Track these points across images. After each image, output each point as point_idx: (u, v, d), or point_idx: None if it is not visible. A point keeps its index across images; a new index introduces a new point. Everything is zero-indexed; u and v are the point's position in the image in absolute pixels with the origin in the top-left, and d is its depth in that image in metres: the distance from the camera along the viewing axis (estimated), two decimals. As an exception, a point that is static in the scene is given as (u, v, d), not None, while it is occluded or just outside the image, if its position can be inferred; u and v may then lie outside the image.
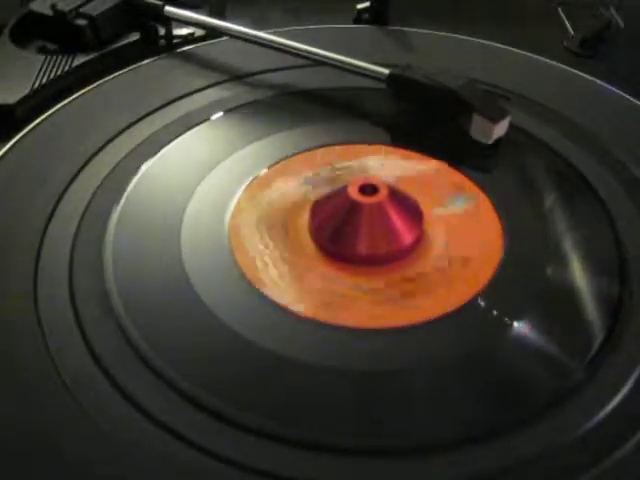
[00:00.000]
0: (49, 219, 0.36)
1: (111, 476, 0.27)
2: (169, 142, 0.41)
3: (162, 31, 0.51)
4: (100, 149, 0.41)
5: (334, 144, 0.41)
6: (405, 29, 0.53)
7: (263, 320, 0.32)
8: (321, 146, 0.41)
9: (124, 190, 0.38)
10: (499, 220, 0.37)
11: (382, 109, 0.44)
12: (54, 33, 0.48)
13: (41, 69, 0.45)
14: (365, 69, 0.44)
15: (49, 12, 0.47)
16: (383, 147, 0.41)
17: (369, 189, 0.35)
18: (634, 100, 0.46)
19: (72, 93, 0.45)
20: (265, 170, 0.40)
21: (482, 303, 0.33)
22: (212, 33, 0.50)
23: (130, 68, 0.48)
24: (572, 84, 0.48)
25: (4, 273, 0.33)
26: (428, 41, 0.51)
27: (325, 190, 0.37)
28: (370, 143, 0.42)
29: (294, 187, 0.39)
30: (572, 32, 0.54)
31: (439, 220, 0.37)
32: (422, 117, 0.43)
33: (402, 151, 0.41)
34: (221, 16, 0.54)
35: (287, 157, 0.40)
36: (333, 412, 0.29)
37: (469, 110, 0.40)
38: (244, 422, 0.28)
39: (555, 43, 0.52)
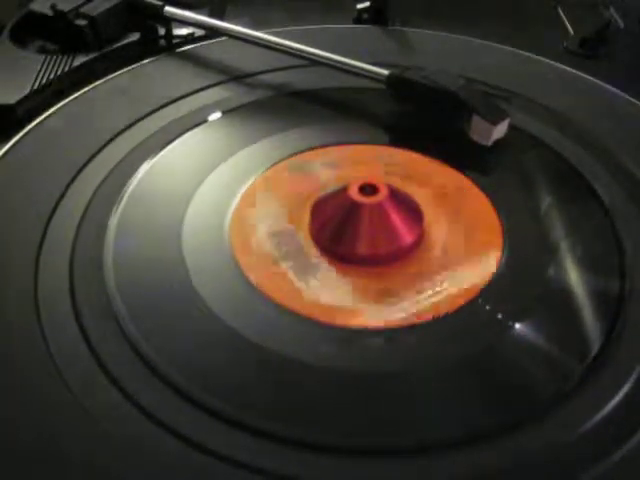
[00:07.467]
0: (49, 219, 0.36)
1: (111, 475, 0.27)
2: (169, 142, 0.41)
3: (162, 31, 0.51)
4: (100, 149, 0.41)
5: (334, 144, 0.41)
6: (405, 29, 0.53)
7: (264, 320, 0.32)
8: (321, 146, 0.41)
9: (124, 190, 0.38)
10: (499, 220, 0.37)
11: (382, 109, 0.44)
12: (54, 33, 0.48)
13: (41, 69, 0.45)
14: (364, 70, 0.44)
15: (49, 12, 0.47)
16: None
17: (369, 189, 0.35)
18: (634, 100, 0.46)
19: (72, 93, 0.45)
20: (266, 170, 0.40)
21: (482, 303, 0.33)
22: (212, 33, 0.50)
23: (130, 68, 0.48)
24: (572, 84, 0.48)
25: (4, 273, 0.33)
26: (428, 41, 0.51)
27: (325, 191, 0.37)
28: (370, 143, 0.42)
29: (294, 187, 0.39)
30: (572, 32, 0.54)
31: (434, 219, 0.37)
32: (422, 117, 0.43)
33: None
34: (221, 16, 0.54)
35: (287, 157, 0.40)
36: (333, 412, 0.29)
37: (469, 112, 0.40)
38: (244, 421, 0.28)
39: (555, 43, 0.52)
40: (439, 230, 0.36)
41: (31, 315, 0.31)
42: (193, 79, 0.47)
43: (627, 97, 0.46)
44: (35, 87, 0.44)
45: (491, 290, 0.33)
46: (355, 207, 0.34)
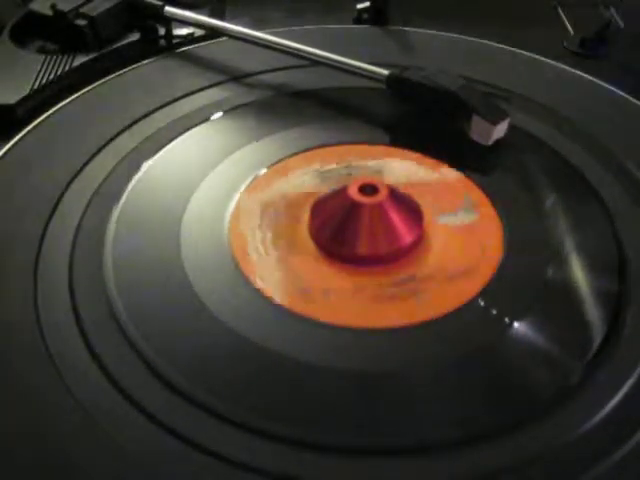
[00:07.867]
0: (49, 219, 0.36)
1: (111, 475, 0.27)
2: (169, 142, 0.41)
3: (162, 31, 0.51)
4: (100, 149, 0.41)
5: (334, 144, 0.41)
6: (405, 29, 0.53)
7: (263, 320, 0.32)
8: (321, 146, 0.41)
9: (124, 190, 0.38)
10: (499, 220, 0.37)
11: (382, 109, 0.44)
12: (54, 33, 0.48)
13: (41, 69, 0.45)
14: (364, 70, 0.44)
15: (49, 12, 0.47)
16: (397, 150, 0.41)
17: (369, 189, 0.35)
18: (634, 100, 0.46)
19: (72, 93, 0.45)
20: (265, 170, 0.40)
21: (482, 303, 0.33)
22: (212, 33, 0.50)
23: (130, 68, 0.48)
24: (572, 84, 0.48)
25: (4, 273, 0.33)
26: (428, 41, 0.51)
27: (327, 190, 0.37)
28: (370, 143, 0.42)
29: (293, 187, 0.39)
30: (572, 32, 0.54)
31: (441, 225, 0.37)
32: (422, 117, 0.43)
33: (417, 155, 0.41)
34: (221, 16, 0.54)
35: (287, 157, 0.40)
36: (333, 412, 0.29)
37: (469, 112, 0.40)
38: (244, 421, 0.28)
39: (555, 43, 0.52)
40: (439, 230, 0.36)
41: (31, 315, 0.32)
42: (193, 79, 0.47)
43: (627, 97, 0.46)
44: (35, 87, 0.44)
45: (491, 290, 0.33)
46: (355, 207, 0.34)
